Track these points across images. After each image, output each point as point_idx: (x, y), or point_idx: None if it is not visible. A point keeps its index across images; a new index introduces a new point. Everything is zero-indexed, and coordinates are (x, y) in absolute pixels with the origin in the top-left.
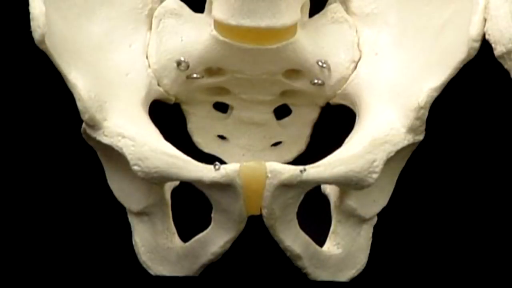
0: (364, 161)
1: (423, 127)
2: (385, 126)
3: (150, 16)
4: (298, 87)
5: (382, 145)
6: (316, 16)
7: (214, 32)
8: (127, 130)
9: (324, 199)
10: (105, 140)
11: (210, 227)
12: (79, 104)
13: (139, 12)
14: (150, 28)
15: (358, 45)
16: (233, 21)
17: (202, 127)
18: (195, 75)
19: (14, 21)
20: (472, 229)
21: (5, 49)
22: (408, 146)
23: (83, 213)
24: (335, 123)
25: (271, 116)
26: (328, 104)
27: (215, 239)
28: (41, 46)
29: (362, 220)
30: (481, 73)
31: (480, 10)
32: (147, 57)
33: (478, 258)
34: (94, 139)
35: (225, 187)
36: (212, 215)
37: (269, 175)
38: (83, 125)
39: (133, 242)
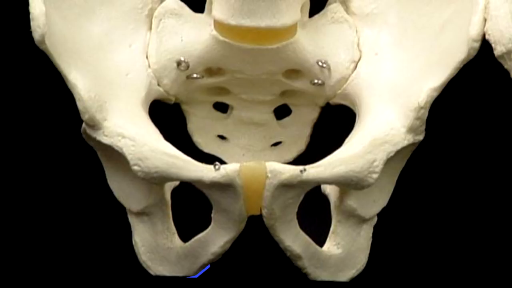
0: (364, 161)
1: (423, 127)
2: (385, 126)
3: (150, 16)
4: (298, 87)
5: (382, 145)
6: (316, 16)
7: (214, 32)
8: (127, 130)
9: (324, 199)
10: (105, 140)
11: (210, 227)
12: (79, 104)
13: (139, 12)
14: (150, 28)
15: (358, 45)
16: (233, 21)
17: (202, 127)
18: (195, 75)
19: (14, 21)
20: (472, 229)
21: (5, 49)
22: (408, 146)
23: (83, 213)
24: (335, 123)
25: (271, 116)
26: (328, 104)
27: (215, 239)
28: (41, 46)
29: (362, 220)
30: (481, 73)
31: (480, 10)
32: (147, 57)
33: (478, 258)
34: (94, 139)
35: (225, 187)
36: (212, 215)
37: (269, 175)
38: (83, 125)
39: (133, 242)
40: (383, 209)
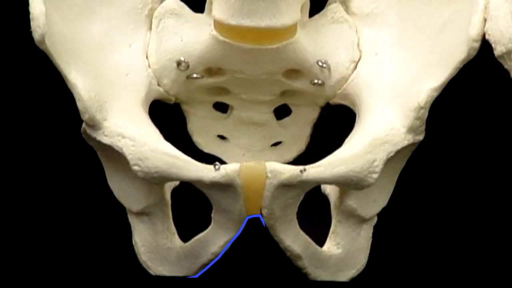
0: (364, 161)
1: (423, 127)
2: (385, 126)
3: (150, 16)
4: (298, 87)
5: (382, 145)
6: (316, 16)
7: (214, 32)
8: (127, 130)
9: (324, 199)
10: (105, 140)
11: (210, 227)
12: (79, 104)
13: (139, 12)
14: (150, 28)
15: (358, 45)
16: (233, 21)
17: (202, 127)
18: (195, 75)
19: (14, 21)
20: (472, 229)
21: (5, 49)
22: (408, 146)
23: (83, 213)
24: (335, 123)
25: (271, 116)
26: (328, 104)
27: (215, 239)
28: (41, 46)
29: (362, 220)
30: (481, 73)
31: (480, 10)
32: (147, 57)
33: (478, 258)
34: (94, 139)
35: (225, 187)
36: (212, 215)
37: (269, 175)
38: (83, 125)
39: (133, 242)
40: (383, 209)
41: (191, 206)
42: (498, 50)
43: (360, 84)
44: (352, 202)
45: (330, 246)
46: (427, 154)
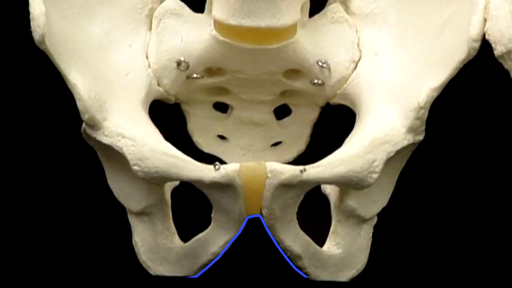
0: (364, 161)
1: (423, 127)
2: (385, 126)
3: (150, 16)
4: (298, 87)
5: (382, 145)
6: (316, 16)
7: (214, 32)
8: (127, 130)
9: (324, 199)
10: (105, 140)
11: (210, 227)
12: (79, 104)
13: (139, 12)
14: (150, 28)
15: (358, 45)
16: (233, 21)
17: (202, 127)
18: (195, 75)
19: (14, 21)
20: (472, 229)
21: (5, 49)
22: (408, 146)
23: (83, 213)
24: (335, 123)
25: (271, 116)
26: (328, 104)
27: (215, 239)
28: (41, 46)
29: (362, 220)
30: (481, 73)
31: (480, 10)
32: (147, 57)
33: (478, 258)
34: (94, 139)
35: (225, 187)
36: (212, 215)
37: (269, 175)
38: (83, 125)
39: (133, 242)
40: (383, 209)
41: (191, 206)
42: (498, 50)
43: (360, 84)
44: (352, 202)
45: (330, 246)
46: (427, 154)
